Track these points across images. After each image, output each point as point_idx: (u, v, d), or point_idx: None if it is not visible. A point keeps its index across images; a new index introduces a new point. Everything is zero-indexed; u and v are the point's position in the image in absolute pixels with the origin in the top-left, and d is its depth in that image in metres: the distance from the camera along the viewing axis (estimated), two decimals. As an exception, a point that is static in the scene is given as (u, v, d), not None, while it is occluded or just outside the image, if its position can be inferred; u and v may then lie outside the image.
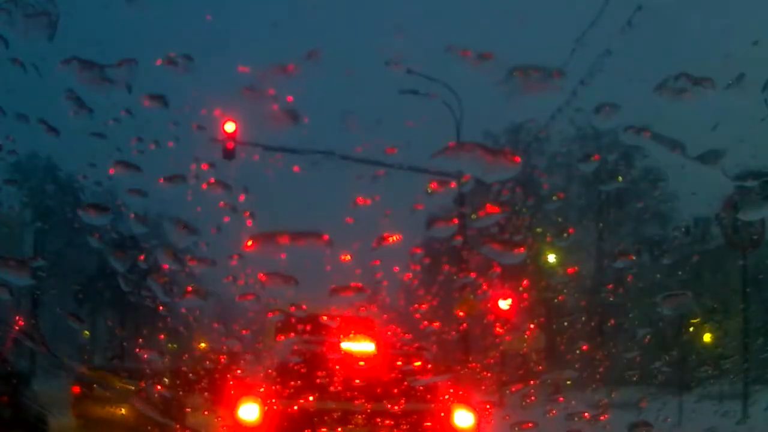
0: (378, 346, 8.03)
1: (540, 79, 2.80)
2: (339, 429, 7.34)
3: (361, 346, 7.94)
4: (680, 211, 27.89)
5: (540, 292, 24.52)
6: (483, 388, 18.15)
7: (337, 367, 7.62)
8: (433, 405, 7.71)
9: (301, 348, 7.91)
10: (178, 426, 9.78)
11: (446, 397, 7.84)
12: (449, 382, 8.14)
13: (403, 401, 7.44)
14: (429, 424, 7.57)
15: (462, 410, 7.68)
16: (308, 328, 8.27)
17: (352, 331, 8.10)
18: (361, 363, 7.78)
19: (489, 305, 18.42)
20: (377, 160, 14.63)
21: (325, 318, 7.98)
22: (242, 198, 6.57)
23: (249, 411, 7.49)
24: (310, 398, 7.55)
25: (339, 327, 8.17)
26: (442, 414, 7.64)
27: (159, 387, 12.57)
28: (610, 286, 23.40)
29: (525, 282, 20.43)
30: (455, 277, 19.91)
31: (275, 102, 4.39)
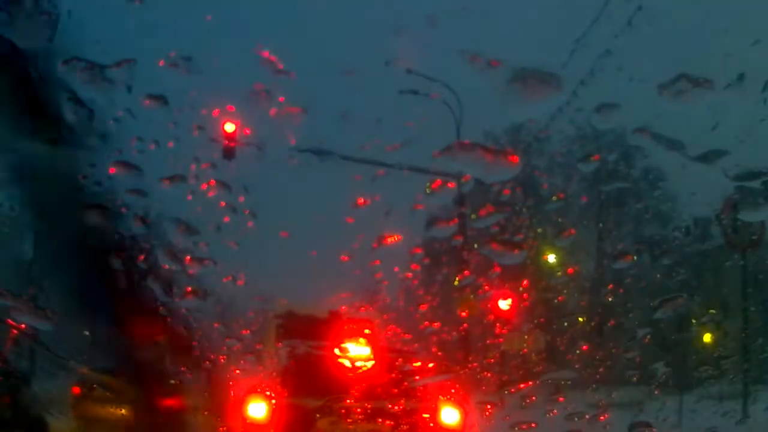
0: (374, 349, 8.06)
1: (540, 83, 2.79)
2: (339, 428, 7.37)
3: (358, 350, 7.98)
4: (680, 211, 27.81)
5: (540, 292, 24.48)
6: (483, 388, 18.14)
7: (336, 368, 7.65)
8: (422, 403, 7.77)
9: (300, 350, 7.95)
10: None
11: (436, 395, 7.89)
12: (439, 381, 8.18)
13: (399, 400, 7.49)
14: (418, 421, 7.63)
15: (449, 407, 7.73)
16: (308, 329, 8.29)
17: (350, 334, 8.12)
18: (363, 365, 7.80)
19: (489, 305, 18.42)
20: (377, 160, 14.67)
21: (324, 319, 8.00)
22: (242, 198, 6.57)
23: (257, 409, 7.58)
24: (311, 398, 7.58)
25: (337, 328, 8.19)
26: (430, 412, 7.70)
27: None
28: (610, 286, 23.37)
29: (525, 282, 20.41)
30: (455, 278, 19.91)
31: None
